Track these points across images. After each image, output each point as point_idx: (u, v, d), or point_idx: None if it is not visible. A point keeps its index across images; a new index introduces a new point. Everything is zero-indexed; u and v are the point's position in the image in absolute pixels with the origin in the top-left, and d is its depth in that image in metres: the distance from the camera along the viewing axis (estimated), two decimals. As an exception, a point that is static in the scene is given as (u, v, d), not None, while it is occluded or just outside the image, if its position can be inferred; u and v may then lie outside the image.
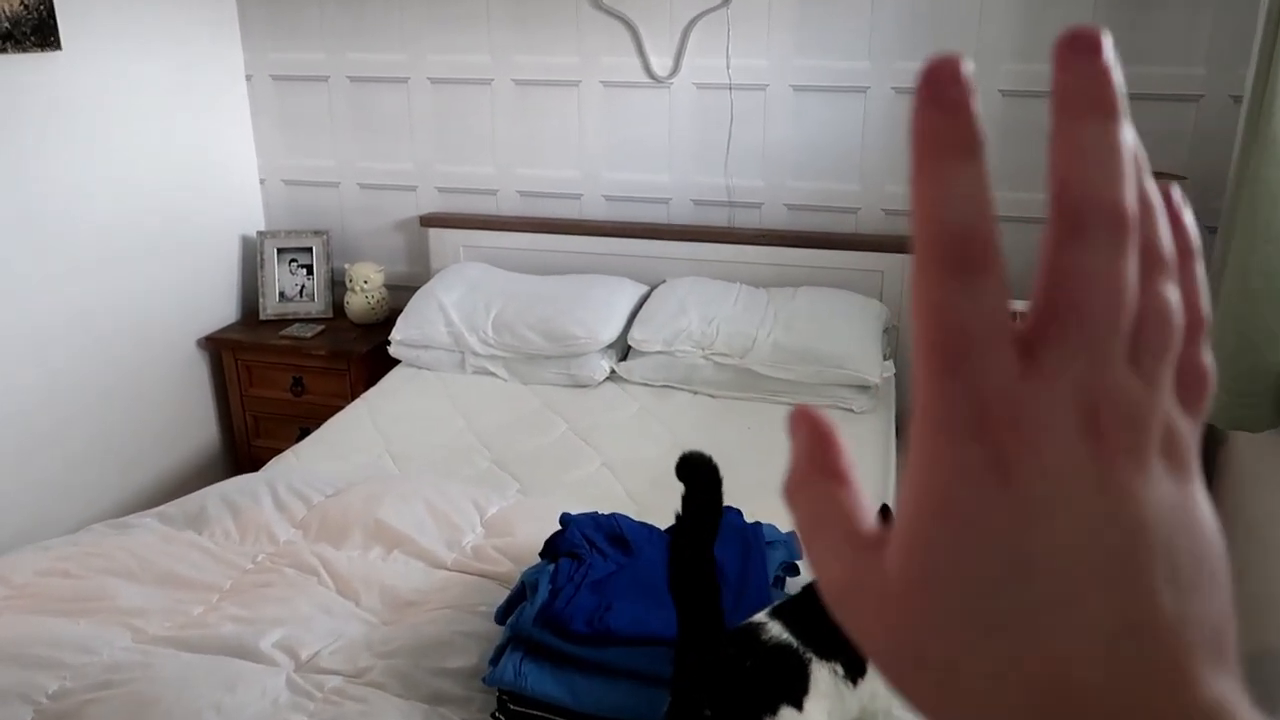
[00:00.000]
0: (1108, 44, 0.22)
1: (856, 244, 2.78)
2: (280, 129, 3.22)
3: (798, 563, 1.56)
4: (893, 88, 2.70)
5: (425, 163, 3.13)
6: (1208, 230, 2.50)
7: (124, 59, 2.67)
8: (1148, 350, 0.22)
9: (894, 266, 2.75)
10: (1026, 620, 0.21)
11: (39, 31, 2.37)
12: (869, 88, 2.72)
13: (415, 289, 2.93)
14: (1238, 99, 2.44)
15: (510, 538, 1.73)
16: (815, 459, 0.26)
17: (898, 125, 2.73)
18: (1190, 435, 0.23)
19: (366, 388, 2.79)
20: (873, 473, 2.18)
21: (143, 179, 2.79)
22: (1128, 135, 0.22)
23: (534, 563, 1.52)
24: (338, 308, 3.14)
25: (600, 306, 2.69)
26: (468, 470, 2.21)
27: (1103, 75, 0.22)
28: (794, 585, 1.55)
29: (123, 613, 1.49)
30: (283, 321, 3.11)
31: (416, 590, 1.59)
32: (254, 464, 2.84)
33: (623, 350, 2.71)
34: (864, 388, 2.48)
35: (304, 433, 2.68)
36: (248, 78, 3.18)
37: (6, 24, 2.28)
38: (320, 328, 3.06)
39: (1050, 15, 2.55)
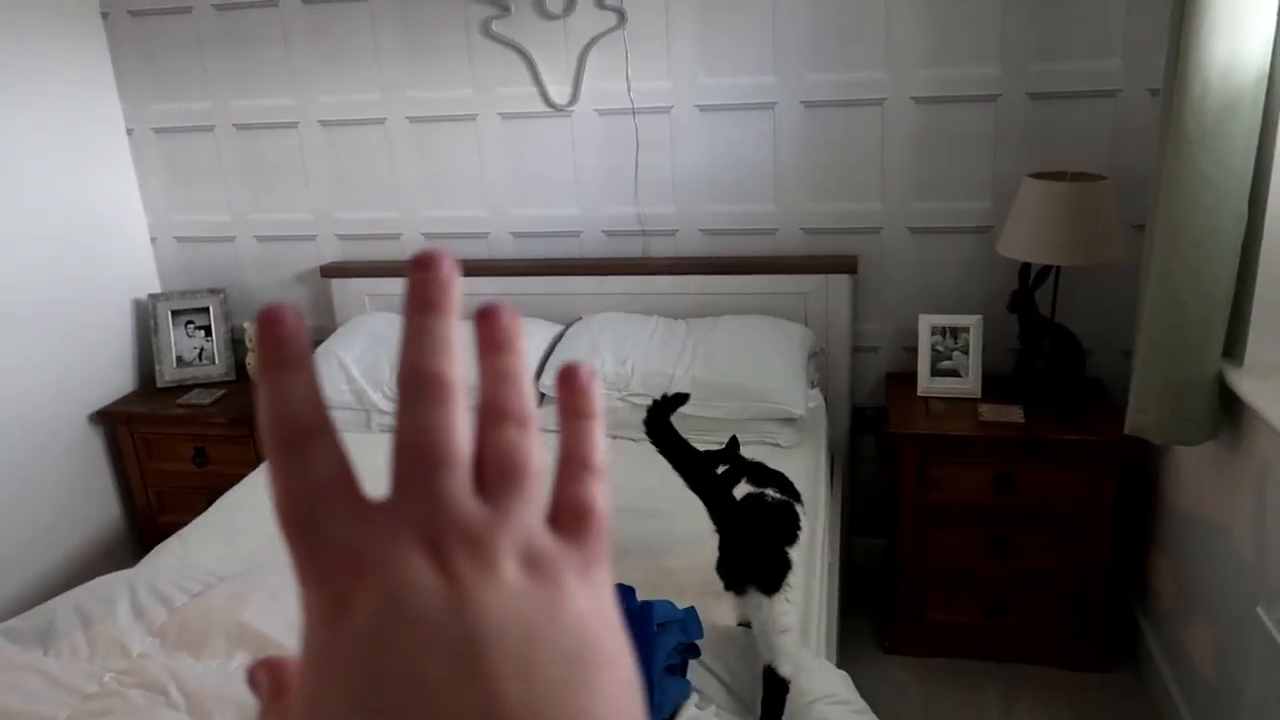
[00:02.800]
0: (448, 261, 0.27)
1: (777, 266, 2.64)
2: (168, 184, 3.04)
3: (698, 642, 1.41)
4: (801, 101, 2.57)
5: (323, 210, 2.97)
6: (1134, 229, 2.39)
7: (-21, 123, 2.48)
8: (492, 484, 0.26)
9: (818, 287, 2.61)
10: None
11: None
12: (777, 103, 2.59)
13: (319, 344, 2.76)
14: (1155, 92, 2.33)
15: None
16: (272, 698, 0.29)
17: (809, 140, 2.60)
18: (561, 554, 0.26)
19: (273, 453, 2.61)
20: (807, 508, 2.03)
21: (20, 243, 2.60)
22: (456, 327, 0.26)
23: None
24: (240, 368, 2.97)
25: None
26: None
27: (438, 283, 0.27)
28: (693, 669, 1.40)
29: (-65, 762, 1.31)
30: (182, 388, 2.92)
31: (279, 704, 1.42)
32: (161, 542, 2.65)
33: (535, 397, 2.55)
34: (790, 420, 2.34)
35: (209, 505, 2.51)
36: (129, 131, 3.00)
37: None
38: (221, 392, 2.88)
39: (957, 15, 2.44)
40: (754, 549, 1.49)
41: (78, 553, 2.81)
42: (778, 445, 2.30)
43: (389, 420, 2.52)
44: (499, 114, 2.76)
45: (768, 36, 2.55)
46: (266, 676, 0.29)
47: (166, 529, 2.73)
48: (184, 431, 2.80)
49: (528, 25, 2.66)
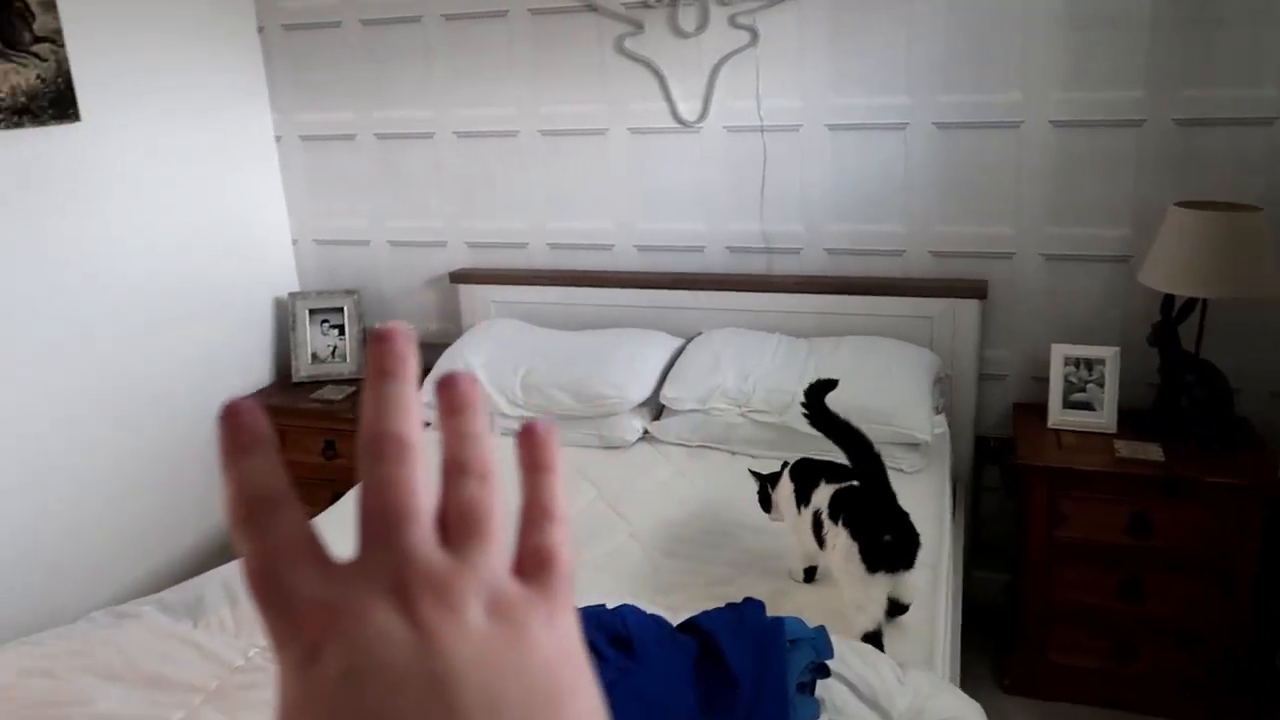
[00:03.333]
0: (403, 335, 0.29)
1: (903, 289, 2.61)
2: (311, 189, 3.20)
3: (828, 663, 1.39)
4: (934, 122, 2.54)
5: (454, 218, 3.06)
6: (1292, 263, 2.27)
7: (147, 126, 2.66)
8: (456, 536, 0.27)
9: (944, 312, 2.56)
10: None
11: (57, 104, 2.36)
12: (908, 124, 2.56)
13: (446, 346, 2.85)
14: (1319, 119, 2.22)
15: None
16: None
17: (941, 161, 2.56)
18: (525, 599, 0.27)
19: (397, 451, 2.71)
20: (925, 538, 1.99)
21: (173, 245, 2.77)
22: (413, 394, 0.29)
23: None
24: (369, 368, 3.07)
25: (631, 363, 2.56)
26: (487, 544, 2.09)
27: (395, 354, 0.29)
28: (824, 687, 1.38)
29: (98, 720, 1.40)
30: (316, 383, 3.05)
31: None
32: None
33: (656, 409, 2.57)
34: (914, 445, 2.29)
35: (337, 496, 2.62)
36: (277, 139, 3.16)
37: (23, 99, 2.28)
38: (352, 389, 3.00)
39: (1099, 38, 2.37)
40: (905, 528, 1.67)
41: (216, 533, 2.95)
42: (901, 470, 2.26)
43: (511, 424, 2.59)
44: (628, 129, 2.81)
45: (901, 57, 2.53)
46: None
47: (294, 518, 2.86)
48: (315, 425, 2.92)
49: (660, 43, 2.70)
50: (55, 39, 2.35)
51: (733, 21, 2.62)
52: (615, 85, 2.78)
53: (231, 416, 0.28)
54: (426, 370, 2.78)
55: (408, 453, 0.28)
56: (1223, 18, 2.28)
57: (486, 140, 2.96)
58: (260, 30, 3.07)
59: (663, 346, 2.66)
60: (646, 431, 2.53)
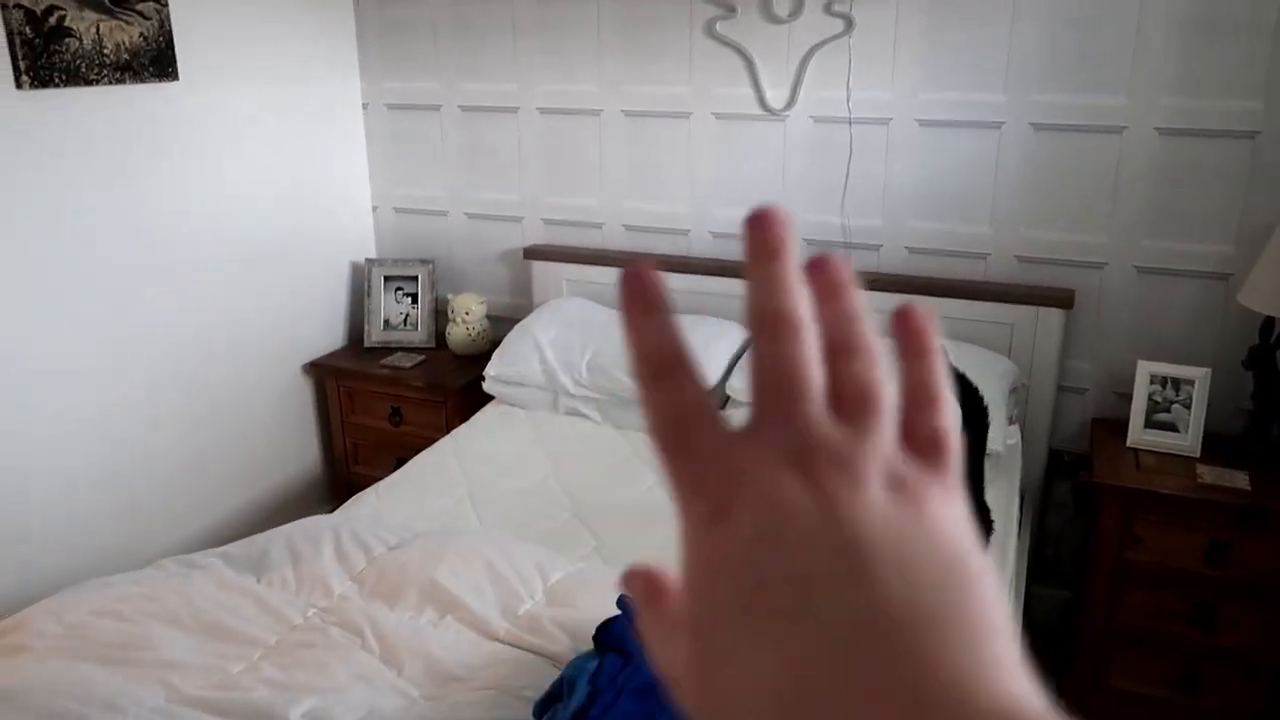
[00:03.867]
0: (781, 216, 0.29)
1: (984, 293, 2.53)
2: (393, 157, 3.23)
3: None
4: (1031, 123, 2.45)
5: (532, 194, 3.07)
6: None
7: (240, 88, 2.71)
8: (848, 412, 0.27)
9: (1025, 319, 2.49)
10: (769, 634, 0.24)
11: (157, 63, 2.42)
12: (1004, 123, 2.48)
13: (517, 320, 2.86)
14: None
15: (571, 609, 1.60)
16: (648, 603, 0.30)
17: (1035, 164, 2.47)
18: (921, 477, 0.27)
19: (462, 420, 2.74)
20: (993, 550, 1.94)
21: (257, 204, 2.83)
22: (796, 272, 0.28)
23: (590, 644, 1.39)
24: (440, 337, 3.11)
25: (699, 352, 2.53)
26: (546, 523, 2.10)
27: (775, 235, 0.29)
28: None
29: (163, 665, 1.44)
30: (386, 350, 3.10)
31: (463, 664, 1.48)
32: (351, 490, 2.79)
33: (722, 398, 2.55)
34: (986, 454, 2.23)
35: (400, 462, 2.66)
36: (364, 106, 3.20)
37: (126, 55, 2.34)
38: (421, 358, 3.04)
39: (1217, 42, 2.26)
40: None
41: (280, 489, 3.03)
42: (984, 478, 2.21)
43: (575, 404, 2.60)
44: (713, 114, 2.77)
45: (1000, 53, 2.44)
46: (642, 582, 0.31)
47: (358, 479, 2.92)
48: (384, 391, 2.97)
49: (752, 27, 2.66)
50: (159, -2, 2.41)
51: (828, 9, 2.56)
52: (702, 69, 2.74)
53: (632, 280, 0.29)
54: (497, 341, 2.80)
55: (799, 330, 0.28)
56: (1351, 28, 2.15)
57: (569, 118, 2.95)
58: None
59: (732, 336, 2.63)
60: (710, 421, 2.51)
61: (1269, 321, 2.15)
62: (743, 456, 0.27)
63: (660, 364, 0.28)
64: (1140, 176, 2.40)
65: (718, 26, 2.69)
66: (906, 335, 0.30)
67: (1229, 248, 2.36)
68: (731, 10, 2.67)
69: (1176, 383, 2.31)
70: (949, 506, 0.27)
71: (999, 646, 0.24)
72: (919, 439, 0.28)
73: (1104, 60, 2.36)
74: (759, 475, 0.26)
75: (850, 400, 0.27)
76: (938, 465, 0.28)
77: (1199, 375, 2.29)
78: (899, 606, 0.24)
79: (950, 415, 0.29)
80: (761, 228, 0.29)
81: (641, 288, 0.29)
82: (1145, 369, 2.33)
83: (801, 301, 0.28)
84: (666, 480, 0.28)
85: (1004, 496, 2.21)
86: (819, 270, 0.29)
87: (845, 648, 0.23)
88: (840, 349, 0.28)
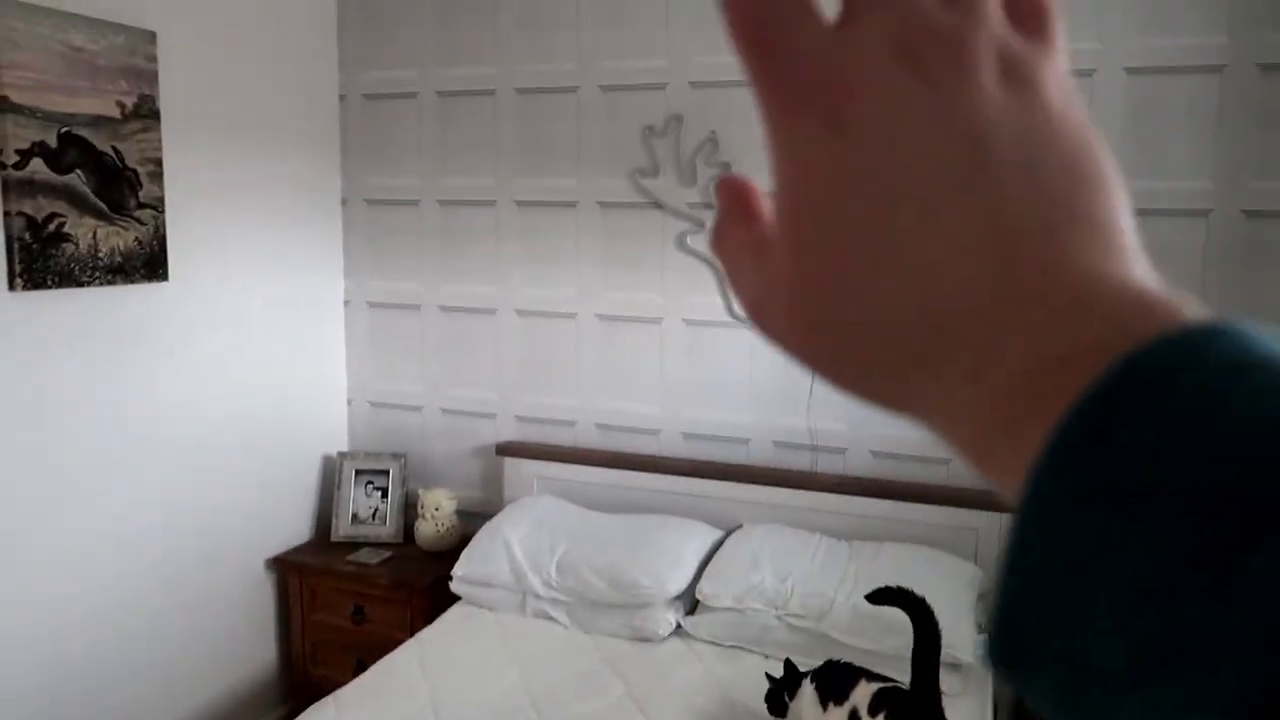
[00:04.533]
0: None
1: (948, 498, 2.59)
2: (371, 352, 3.31)
3: None
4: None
5: (507, 390, 3.14)
6: None
7: (227, 286, 2.80)
8: None
9: (990, 525, 2.53)
10: (893, 249, 0.23)
11: (149, 265, 2.51)
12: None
13: (488, 517, 2.86)
14: None
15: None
16: (735, 213, 0.28)
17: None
18: (1031, 54, 0.25)
19: (428, 621, 2.68)
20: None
21: (234, 397, 2.86)
22: None
23: None
24: (408, 532, 3.09)
25: (669, 553, 2.54)
26: (510, 737, 2.03)
27: None
28: None
29: None
30: (352, 545, 3.06)
31: None
32: (309, 692, 2.71)
33: (691, 603, 2.53)
34: (954, 666, 2.22)
35: (360, 664, 2.58)
36: (345, 303, 3.30)
37: (119, 259, 2.43)
38: (388, 554, 3.00)
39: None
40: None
41: (235, 690, 2.90)
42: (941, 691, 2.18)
43: (543, 606, 2.57)
44: (684, 319, 2.90)
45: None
46: (737, 195, 0.29)
47: (316, 681, 2.82)
48: (348, 588, 2.91)
49: (720, 241, 2.82)
50: (157, 205, 2.53)
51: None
52: (674, 277, 2.89)
53: None
54: (466, 538, 2.79)
55: None
56: None
57: (546, 319, 3.07)
58: (344, 203, 3.27)
59: (702, 538, 2.64)
60: (679, 626, 2.48)
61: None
62: (842, 51, 0.24)
63: None
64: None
65: (688, 239, 2.86)
66: None
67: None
68: (701, 225, 2.84)
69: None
70: (1062, 86, 0.25)
71: (1126, 241, 0.24)
72: (1023, 9, 0.26)
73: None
74: (868, 77, 0.24)
75: None
76: (1046, 34, 0.26)
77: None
78: (1023, 203, 0.23)
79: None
80: None
81: None
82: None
83: None
84: (757, 92, 0.25)
85: (976, 709, 2.18)
86: None
87: (972, 258, 0.23)
88: None
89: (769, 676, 2.03)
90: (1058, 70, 0.26)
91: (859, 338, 0.24)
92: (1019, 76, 0.25)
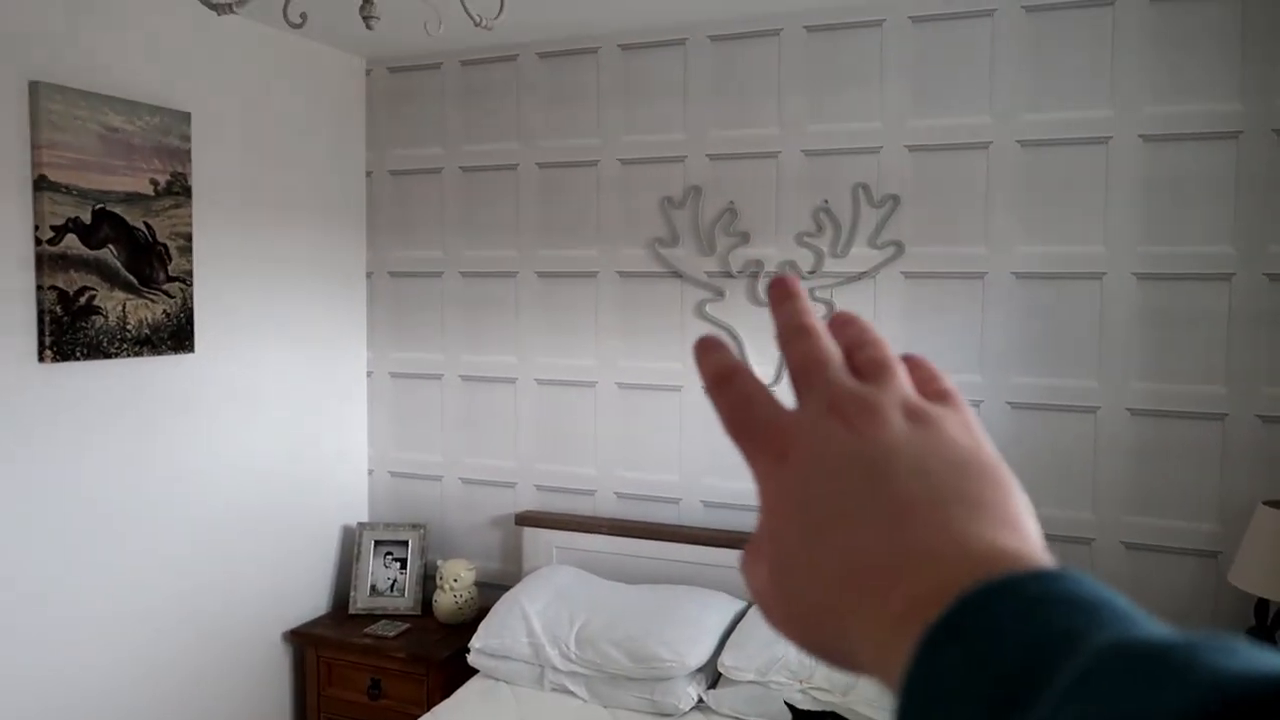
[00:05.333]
0: (794, 281, 0.40)
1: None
2: (393, 423, 3.32)
3: None
4: (1007, 402, 2.56)
5: (526, 460, 3.13)
6: None
7: (252, 358, 2.84)
8: (868, 374, 0.36)
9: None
10: (830, 536, 0.32)
11: (176, 336, 2.55)
12: (982, 401, 2.58)
13: (506, 588, 2.83)
14: None
15: None
16: (747, 551, 0.37)
17: (1016, 442, 2.55)
18: (936, 408, 0.35)
19: (444, 695, 2.63)
20: None
21: (256, 468, 2.87)
22: (809, 307, 0.39)
23: None
24: (426, 604, 3.05)
25: (690, 625, 2.49)
26: (525, 816, 1.97)
27: (791, 289, 0.39)
28: None
29: None
30: (370, 617, 3.03)
31: None
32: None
33: (713, 675, 2.47)
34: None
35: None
36: (368, 374, 3.33)
37: (147, 330, 2.47)
38: (405, 626, 2.96)
39: (1177, 336, 2.40)
40: None
41: (246, 770, 2.84)
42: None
43: (562, 679, 2.51)
44: (703, 388, 2.88)
45: (974, 339, 2.59)
46: (745, 549, 0.37)
47: (330, 760, 2.75)
48: (365, 661, 2.87)
49: (739, 310, 2.83)
50: (185, 279, 2.58)
51: (811, 295, 2.73)
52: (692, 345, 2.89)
53: (698, 345, 0.39)
54: (485, 610, 2.75)
55: (817, 332, 0.37)
56: (1298, 321, 2.30)
57: (566, 389, 3.07)
58: (369, 276, 3.32)
59: (724, 608, 2.59)
60: (701, 700, 2.42)
61: (1262, 604, 2.14)
62: (791, 418, 0.35)
63: (718, 376, 0.37)
64: (1118, 453, 2.47)
65: (707, 308, 2.87)
66: (916, 369, 0.38)
67: (1214, 525, 2.38)
68: (720, 294, 2.85)
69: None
70: (968, 431, 0.34)
71: (1006, 517, 0.31)
72: (931, 393, 0.36)
73: (1070, 347, 2.50)
74: (804, 427, 0.34)
75: (866, 367, 0.36)
76: (953, 403, 0.36)
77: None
78: (916, 494, 0.31)
79: (948, 380, 0.37)
80: (781, 283, 0.39)
81: (706, 344, 0.39)
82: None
83: (816, 319, 0.38)
84: (741, 452, 0.36)
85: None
86: (843, 325, 0.39)
87: (886, 533, 0.30)
88: (854, 346, 0.37)
89: (790, 706, 1.99)
90: (962, 418, 0.35)
91: (815, 609, 0.32)
92: (923, 419, 0.34)
